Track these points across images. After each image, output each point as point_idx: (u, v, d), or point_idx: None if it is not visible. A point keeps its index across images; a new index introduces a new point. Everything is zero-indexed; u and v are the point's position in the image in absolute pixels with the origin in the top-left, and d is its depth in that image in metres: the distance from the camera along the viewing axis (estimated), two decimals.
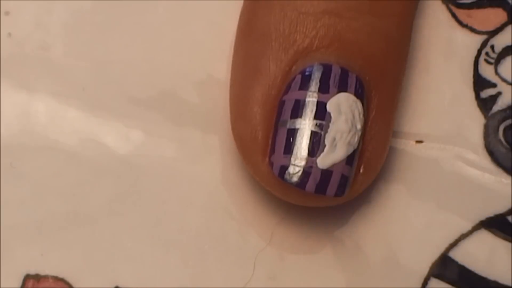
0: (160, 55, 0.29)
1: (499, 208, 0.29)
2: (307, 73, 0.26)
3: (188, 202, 0.29)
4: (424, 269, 0.28)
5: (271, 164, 0.26)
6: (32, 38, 0.29)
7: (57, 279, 0.28)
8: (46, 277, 0.28)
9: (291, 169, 0.25)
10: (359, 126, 0.26)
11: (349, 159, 0.26)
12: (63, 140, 0.29)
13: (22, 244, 0.28)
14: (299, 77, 0.26)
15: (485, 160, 0.29)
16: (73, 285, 0.28)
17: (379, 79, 0.27)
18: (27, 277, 0.28)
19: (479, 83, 0.30)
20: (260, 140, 0.26)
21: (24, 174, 0.28)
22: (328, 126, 0.25)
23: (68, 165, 0.29)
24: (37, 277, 0.28)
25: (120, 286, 0.28)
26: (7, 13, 0.29)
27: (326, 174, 0.25)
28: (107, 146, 0.29)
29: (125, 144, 0.29)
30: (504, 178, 0.29)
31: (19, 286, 0.28)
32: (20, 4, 0.30)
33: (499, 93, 0.29)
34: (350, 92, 0.26)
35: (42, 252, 0.28)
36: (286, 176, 0.26)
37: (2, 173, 0.28)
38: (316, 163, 0.25)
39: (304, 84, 0.26)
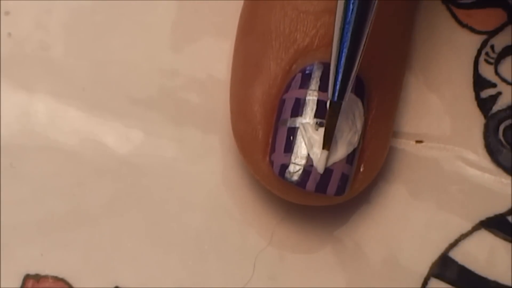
0: (160, 55, 0.29)
1: (499, 208, 0.29)
2: (307, 72, 0.26)
3: (188, 202, 0.29)
4: (424, 269, 0.28)
5: (271, 163, 0.26)
6: (32, 38, 0.29)
7: (57, 279, 0.28)
8: (46, 277, 0.28)
9: (291, 168, 0.25)
10: (359, 125, 0.26)
11: (349, 158, 0.26)
12: (63, 140, 0.29)
13: (22, 244, 0.28)
14: (299, 75, 0.26)
15: (485, 160, 0.29)
16: (73, 285, 0.28)
17: (379, 79, 0.27)
18: (27, 277, 0.28)
19: (479, 83, 0.30)
20: (261, 139, 0.26)
21: (24, 174, 0.28)
22: None
23: (68, 165, 0.29)
24: (37, 277, 0.28)
25: (120, 286, 0.28)
26: (7, 13, 0.29)
27: (327, 173, 0.25)
28: (107, 146, 0.29)
29: (125, 144, 0.29)
30: (504, 178, 0.29)
31: (19, 286, 0.28)
32: (20, 4, 0.30)
33: (499, 93, 0.29)
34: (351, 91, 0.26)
35: (42, 252, 0.28)
36: (287, 175, 0.26)
37: (2, 173, 0.28)
38: None
39: (305, 82, 0.26)
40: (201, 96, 0.29)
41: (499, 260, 0.28)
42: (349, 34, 0.24)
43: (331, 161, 0.25)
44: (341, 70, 0.24)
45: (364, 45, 0.24)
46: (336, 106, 0.25)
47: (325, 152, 0.25)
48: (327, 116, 0.25)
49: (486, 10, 0.30)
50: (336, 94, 0.24)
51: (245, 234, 0.28)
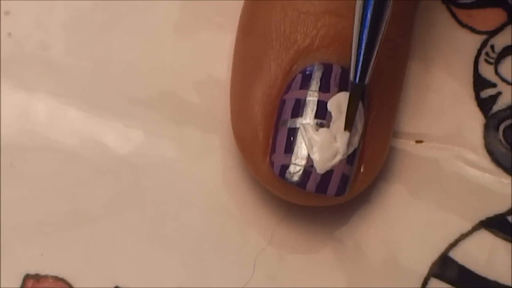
0: (160, 55, 0.29)
1: (499, 208, 0.29)
2: (307, 73, 0.26)
3: (188, 202, 0.29)
4: (424, 269, 0.28)
5: (271, 163, 0.26)
6: (32, 38, 0.29)
7: (57, 279, 0.28)
8: (46, 277, 0.28)
9: (291, 168, 0.25)
10: (359, 126, 0.26)
11: (350, 159, 0.26)
12: (63, 140, 0.29)
13: (22, 244, 0.28)
14: (299, 76, 0.26)
15: (485, 160, 0.29)
16: (73, 285, 0.28)
17: (379, 79, 0.27)
18: (27, 277, 0.28)
19: (479, 83, 0.30)
20: (261, 140, 0.26)
21: (24, 174, 0.28)
22: (328, 125, 0.25)
23: (68, 165, 0.29)
24: (37, 277, 0.28)
25: (120, 286, 0.28)
26: (7, 13, 0.29)
27: (327, 173, 0.25)
28: (107, 146, 0.29)
29: (125, 144, 0.29)
30: (504, 178, 0.29)
31: (19, 286, 0.28)
32: (20, 4, 0.30)
33: (499, 93, 0.29)
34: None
35: (42, 252, 0.28)
36: (287, 175, 0.26)
37: (2, 173, 0.28)
38: None
39: (305, 83, 0.26)
40: (201, 96, 0.29)
41: (499, 260, 0.28)
42: (370, 13, 0.23)
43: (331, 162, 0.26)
44: (362, 52, 0.24)
45: (385, 24, 0.24)
46: (358, 88, 0.25)
47: (347, 134, 0.25)
48: (349, 99, 0.25)
49: (486, 10, 0.30)
50: (358, 76, 0.24)
51: (245, 234, 0.28)
